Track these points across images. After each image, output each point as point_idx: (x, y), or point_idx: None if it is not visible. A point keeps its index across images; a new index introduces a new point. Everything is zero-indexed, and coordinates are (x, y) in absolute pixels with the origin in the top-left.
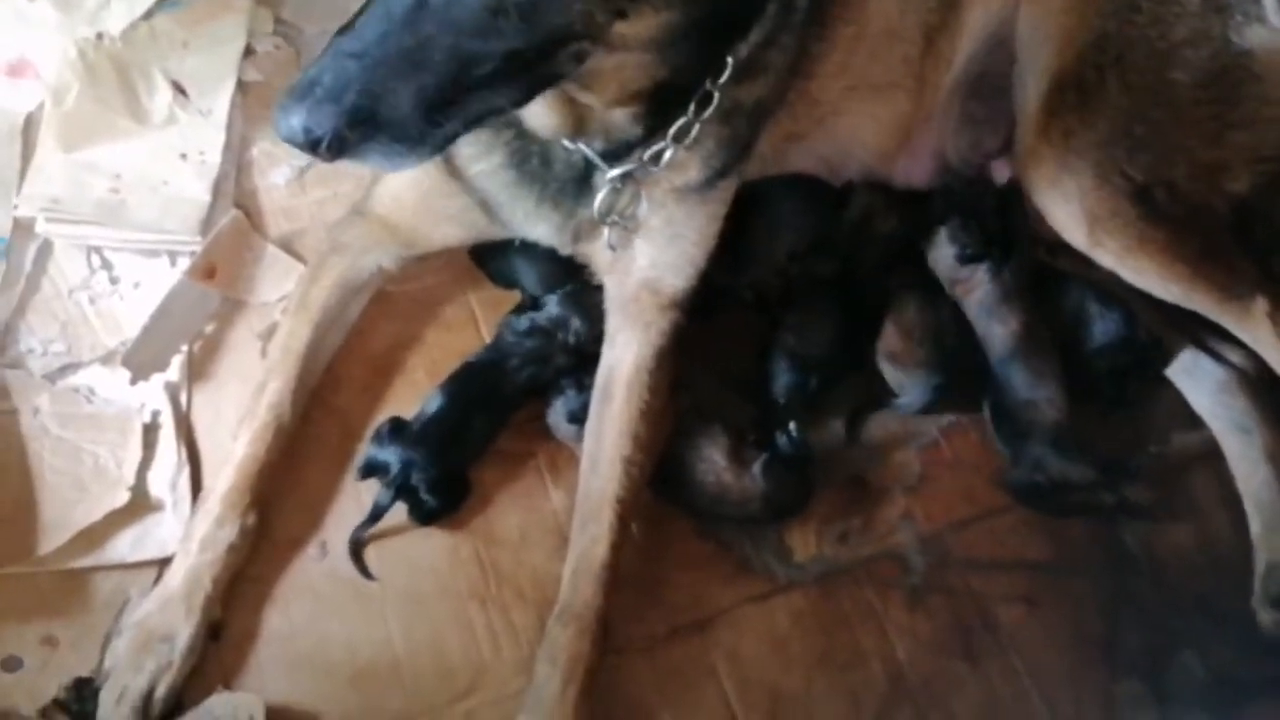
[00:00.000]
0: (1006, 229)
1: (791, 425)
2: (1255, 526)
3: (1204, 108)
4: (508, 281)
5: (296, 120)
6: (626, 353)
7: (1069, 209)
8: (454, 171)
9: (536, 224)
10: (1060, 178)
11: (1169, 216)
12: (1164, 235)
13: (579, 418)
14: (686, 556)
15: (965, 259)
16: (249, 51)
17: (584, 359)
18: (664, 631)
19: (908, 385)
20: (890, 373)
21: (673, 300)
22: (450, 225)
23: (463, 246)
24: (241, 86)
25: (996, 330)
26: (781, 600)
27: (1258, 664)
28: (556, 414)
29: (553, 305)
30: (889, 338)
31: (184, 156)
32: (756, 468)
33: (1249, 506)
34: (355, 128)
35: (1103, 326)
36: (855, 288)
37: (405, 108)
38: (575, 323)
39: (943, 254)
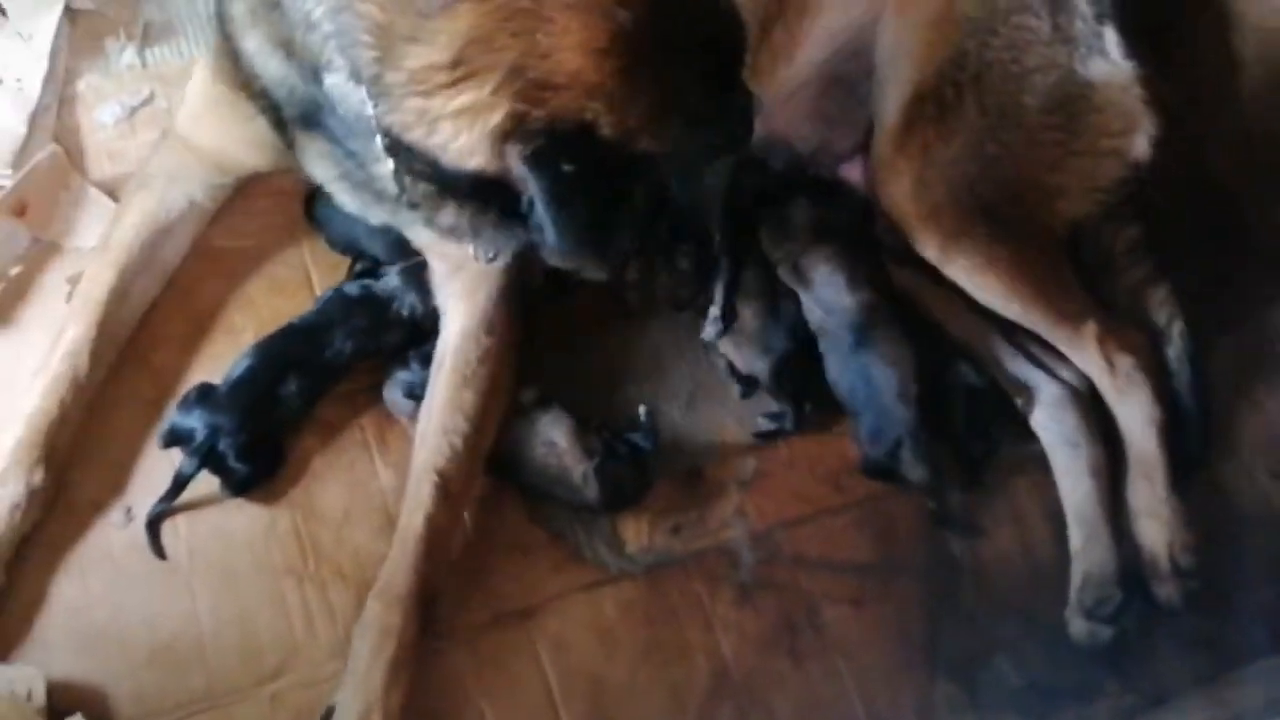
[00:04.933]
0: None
1: (641, 409)
2: (1075, 538)
3: (1049, 133)
4: (346, 245)
5: None
6: (454, 321)
7: (923, 224)
8: (248, 87)
9: (325, 169)
10: (917, 192)
11: (1014, 237)
12: (1008, 255)
13: (417, 394)
14: (516, 543)
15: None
16: None
17: (423, 334)
18: (487, 618)
19: (749, 357)
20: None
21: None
22: (251, 149)
23: (275, 171)
24: (70, 14)
25: (846, 301)
26: (610, 590)
27: (1066, 672)
28: (395, 387)
29: (392, 276)
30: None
31: None
32: (589, 469)
33: (1070, 518)
34: None
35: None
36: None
37: None
38: (411, 298)
39: (795, 218)
